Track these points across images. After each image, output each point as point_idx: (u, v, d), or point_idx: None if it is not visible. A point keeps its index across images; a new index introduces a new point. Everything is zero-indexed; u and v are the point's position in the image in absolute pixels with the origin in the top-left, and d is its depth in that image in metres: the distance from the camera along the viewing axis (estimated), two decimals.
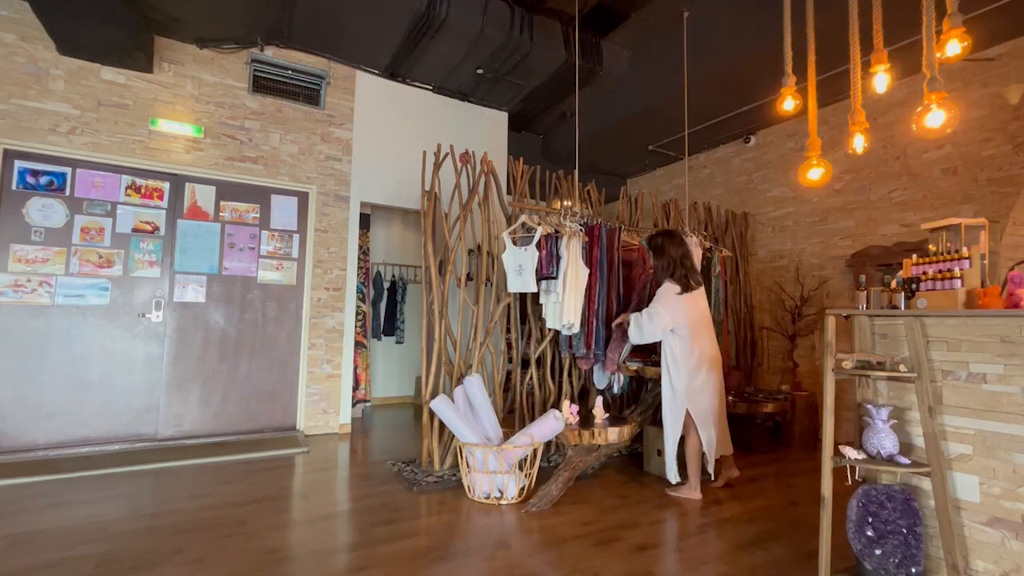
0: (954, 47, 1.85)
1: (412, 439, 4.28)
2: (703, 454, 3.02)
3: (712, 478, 3.18)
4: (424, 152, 3.79)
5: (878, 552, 1.79)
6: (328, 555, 2.19)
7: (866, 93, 4.39)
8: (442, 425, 3.36)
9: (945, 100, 1.80)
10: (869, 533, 1.81)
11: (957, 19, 1.86)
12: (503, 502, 2.84)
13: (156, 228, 3.96)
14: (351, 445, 4.06)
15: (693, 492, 2.96)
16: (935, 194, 3.93)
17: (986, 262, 1.87)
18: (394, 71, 4.78)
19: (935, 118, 1.81)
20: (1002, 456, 1.68)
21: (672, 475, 3.02)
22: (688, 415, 2.97)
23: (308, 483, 3.12)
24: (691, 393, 2.96)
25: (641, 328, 3.03)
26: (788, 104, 2.24)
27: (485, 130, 5.36)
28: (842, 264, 4.48)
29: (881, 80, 2.02)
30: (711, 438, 2.96)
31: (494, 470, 2.87)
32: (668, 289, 2.99)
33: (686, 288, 2.97)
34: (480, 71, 4.68)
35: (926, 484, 1.84)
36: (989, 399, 1.72)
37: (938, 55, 1.92)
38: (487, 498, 2.87)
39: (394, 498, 2.90)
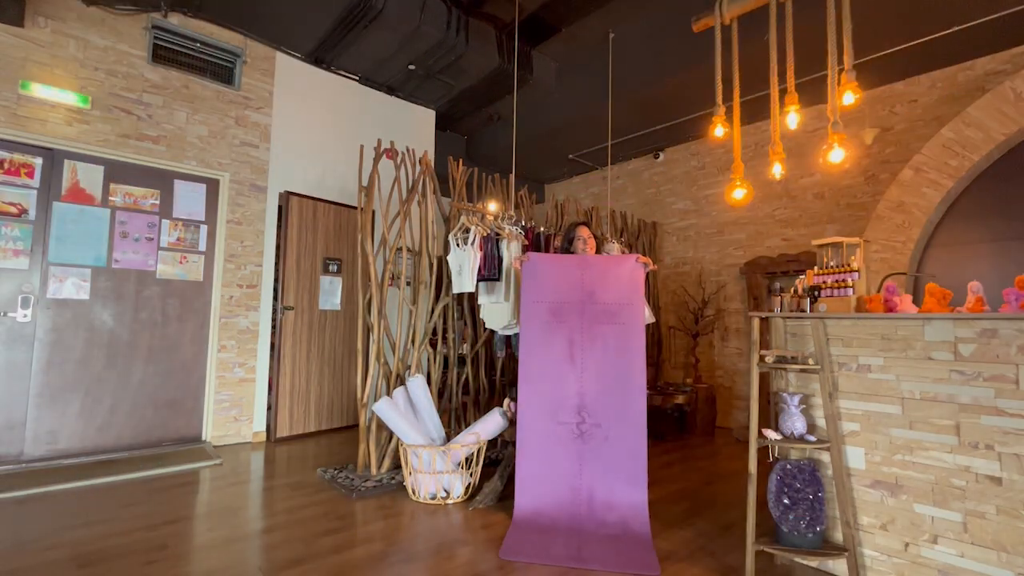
0: (849, 98, 2.25)
1: (341, 444, 4.09)
2: None
3: None
4: (362, 146, 3.64)
5: (791, 516, 2.13)
6: (276, 572, 2.06)
7: (764, 125, 5.02)
8: (379, 428, 3.27)
9: (844, 140, 2.19)
10: (785, 501, 2.14)
11: (851, 74, 2.27)
12: (450, 501, 2.86)
13: (24, 211, 3.35)
14: (270, 454, 3.78)
15: None
16: (808, 214, 4.66)
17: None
18: (319, 57, 4.53)
19: (837, 155, 2.20)
20: (881, 431, 2.09)
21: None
22: None
23: (231, 497, 2.87)
24: None
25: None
26: (719, 131, 2.54)
27: (412, 126, 5.27)
28: (736, 271, 5.11)
29: (792, 119, 2.40)
30: None
31: (440, 470, 2.88)
32: None
33: None
34: (412, 67, 4.60)
35: (826, 457, 2.22)
36: (872, 385, 2.12)
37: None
38: (433, 499, 2.87)
39: (334, 506, 2.78)
